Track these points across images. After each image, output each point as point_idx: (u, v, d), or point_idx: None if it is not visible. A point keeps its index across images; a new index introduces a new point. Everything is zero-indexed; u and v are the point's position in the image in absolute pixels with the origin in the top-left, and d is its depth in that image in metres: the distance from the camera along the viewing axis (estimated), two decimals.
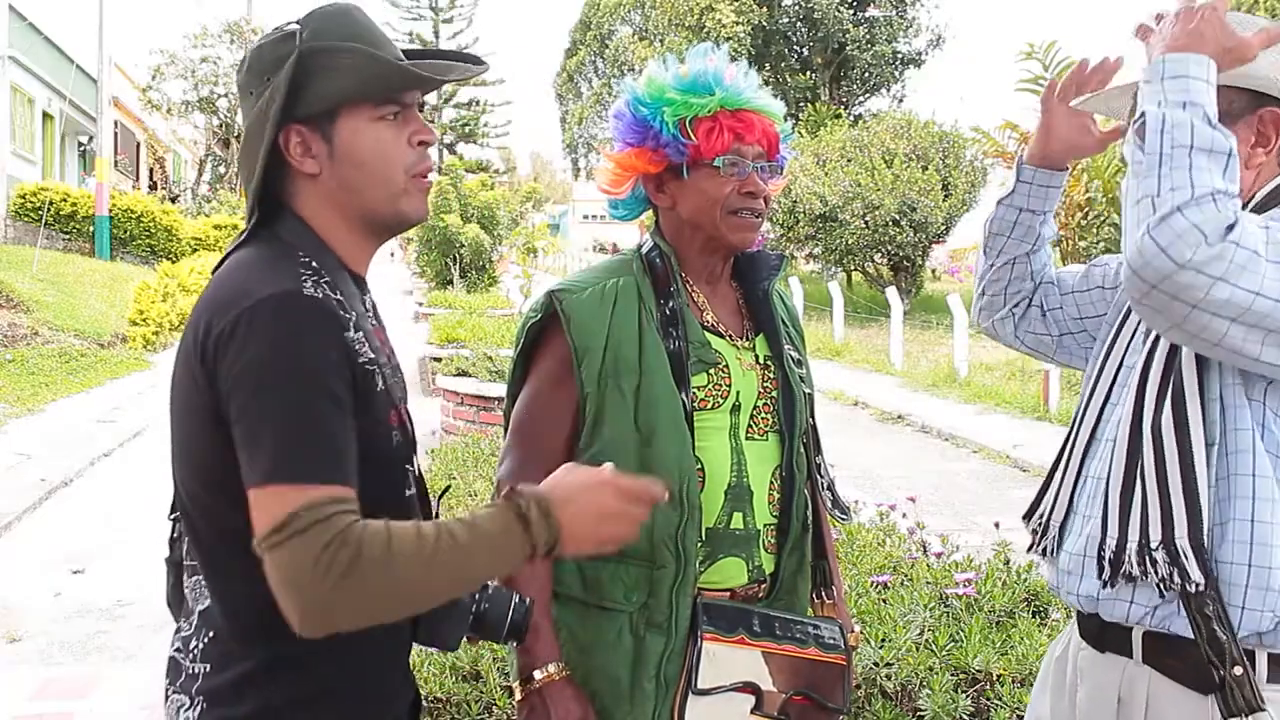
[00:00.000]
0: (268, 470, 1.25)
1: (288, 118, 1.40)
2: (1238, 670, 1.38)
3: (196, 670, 1.41)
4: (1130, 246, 1.35)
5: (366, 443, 1.36)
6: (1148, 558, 1.45)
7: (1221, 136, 1.34)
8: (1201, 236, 1.29)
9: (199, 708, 1.39)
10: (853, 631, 2.00)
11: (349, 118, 1.41)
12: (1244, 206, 1.48)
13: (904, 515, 4.38)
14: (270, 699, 1.37)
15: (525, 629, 1.53)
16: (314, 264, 1.39)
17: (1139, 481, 1.47)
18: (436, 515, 1.62)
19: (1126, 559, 1.47)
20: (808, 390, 1.92)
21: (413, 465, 1.52)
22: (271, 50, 1.42)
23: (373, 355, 1.39)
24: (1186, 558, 1.41)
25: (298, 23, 1.44)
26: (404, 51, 1.49)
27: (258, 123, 1.41)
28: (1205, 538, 1.41)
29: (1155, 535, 1.44)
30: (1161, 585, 1.45)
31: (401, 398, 1.47)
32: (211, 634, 1.40)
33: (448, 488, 1.93)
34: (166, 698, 1.44)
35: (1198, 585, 1.41)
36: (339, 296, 1.37)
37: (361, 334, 1.38)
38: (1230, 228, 1.30)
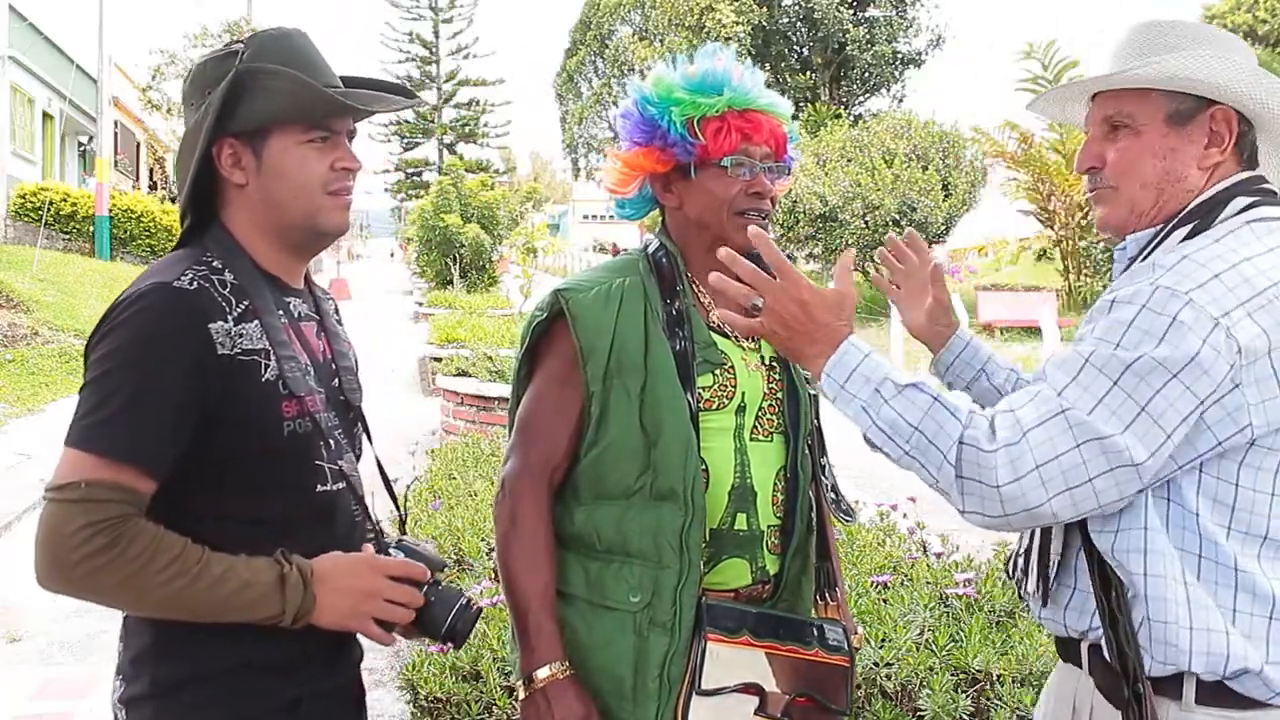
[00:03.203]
0: (75, 435, 1.37)
1: (222, 131, 1.50)
2: (1139, 688, 1.41)
3: (120, 649, 1.51)
4: (970, 519, 1.43)
5: (238, 433, 1.44)
6: (1014, 561, 1.61)
7: (914, 389, 1.44)
8: (990, 472, 1.37)
9: (121, 688, 1.49)
10: (856, 633, 1.99)
11: (280, 137, 1.52)
12: (1181, 210, 1.51)
13: (904, 515, 4.38)
14: (162, 675, 1.45)
15: (465, 635, 1.57)
16: (215, 263, 1.49)
17: None
18: (402, 509, 1.69)
19: (1009, 564, 1.63)
20: (813, 392, 1.92)
21: (332, 461, 1.55)
22: (214, 67, 1.52)
23: (259, 346, 1.46)
24: (1030, 572, 1.54)
25: (242, 42, 1.53)
26: (342, 78, 1.58)
27: (193, 133, 1.51)
28: (1052, 557, 1.52)
29: (1024, 544, 1.59)
30: (1017, 586, 1.60)
31: (309, 393, 1.52)
32: (125, 615, 1.50)
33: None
34: (112, 685, 1.52)
35: (1031, 595, 1.55)
36: (227, 292, 1.46)
37: (250, 326, 1.46)
38: (993, 438, 1.38)
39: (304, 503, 1.53)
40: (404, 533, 1.68)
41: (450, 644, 1.57)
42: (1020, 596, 1.62)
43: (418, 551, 1.58)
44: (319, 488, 1.54)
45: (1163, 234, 1.51)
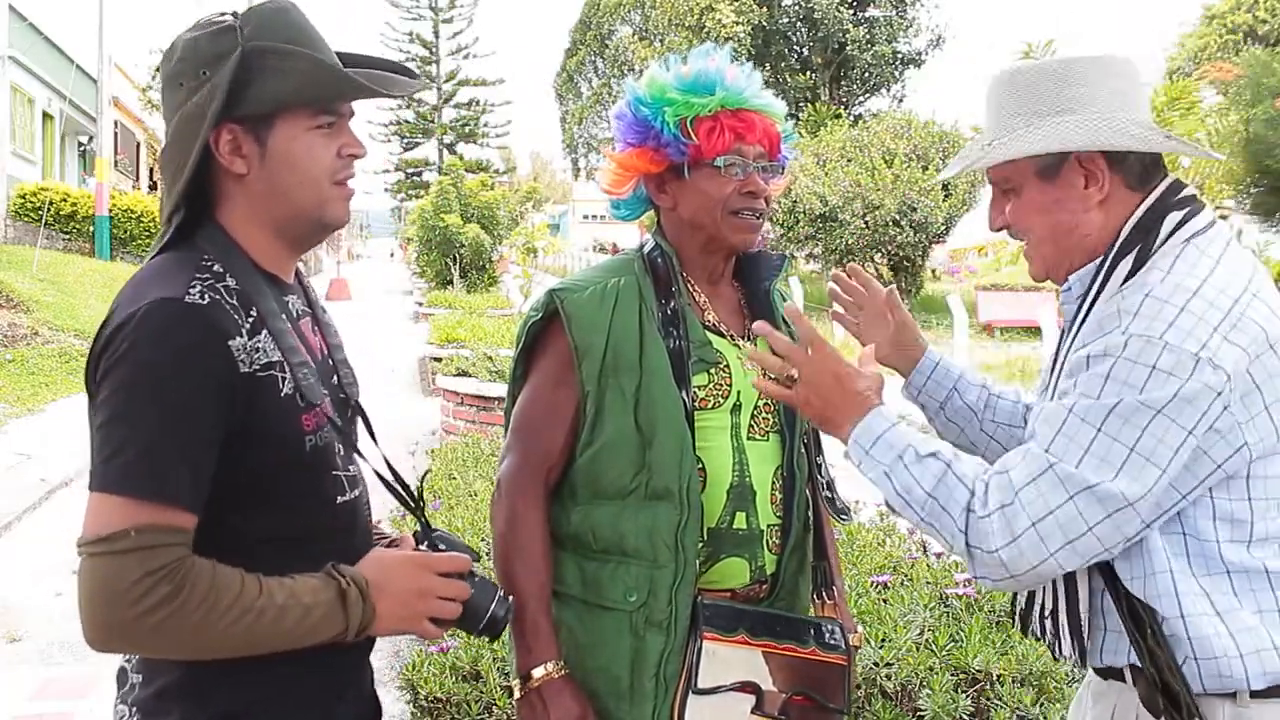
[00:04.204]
0: (108, 478, 1.25)
1: (225, 115, 1.37)
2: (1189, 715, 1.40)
3: (134, 681, 1.41)
4: (984, 584, 1.47)
5: (261, 452, 1.35)
6: (1041, 623, 1.56)
7: (932, 458, 1.48)
8: (987, 538, 1.40)
9: (135, 719, 1.39)
10: (855, 632, 1.99)
11: (286, 122, 1.40)
12: (1110, 249, 1.50)
13: None
14: (193, 712, 1.36)
15: (503, 626, 1.51)
16: (216, 268, 1.37)
17: None
18: (421, 509, 1.57)
19: (1032, 620, 1.59)
20: None
21: (345, 468, 1.49)
22: (209, 43, 1.38)
23: (275, 359, 1.36)
24: (1061, 634, 1.53)
25: (232, 16, 1.40)
26: (338, 55, 1.45)
27: (192, 118, 1.37)
28: (1083, 618, 1.50)
29: (1048, 606, 1.55)
30: (1051, 649, 1.56)
31: (322, 399, 1.42)
32: None
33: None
34: (115, 709, 1.43)
35: (1069, 658, 1.52)
36: (235, 301, 1.35)
37: (261, 337, 1.36)
38: (987, 504, 1.42)
39: (326, 515, 1.45)
40: (424, 523, 1.58)
41: (488, 636, 1.50)
42: (1055, 657, 1.59)
43: (454, 542, 1.52)
44: (339, 499, 1.47)
45: (1106, 268, 1.50)
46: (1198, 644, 1.41)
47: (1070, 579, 1.50)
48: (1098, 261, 1.52)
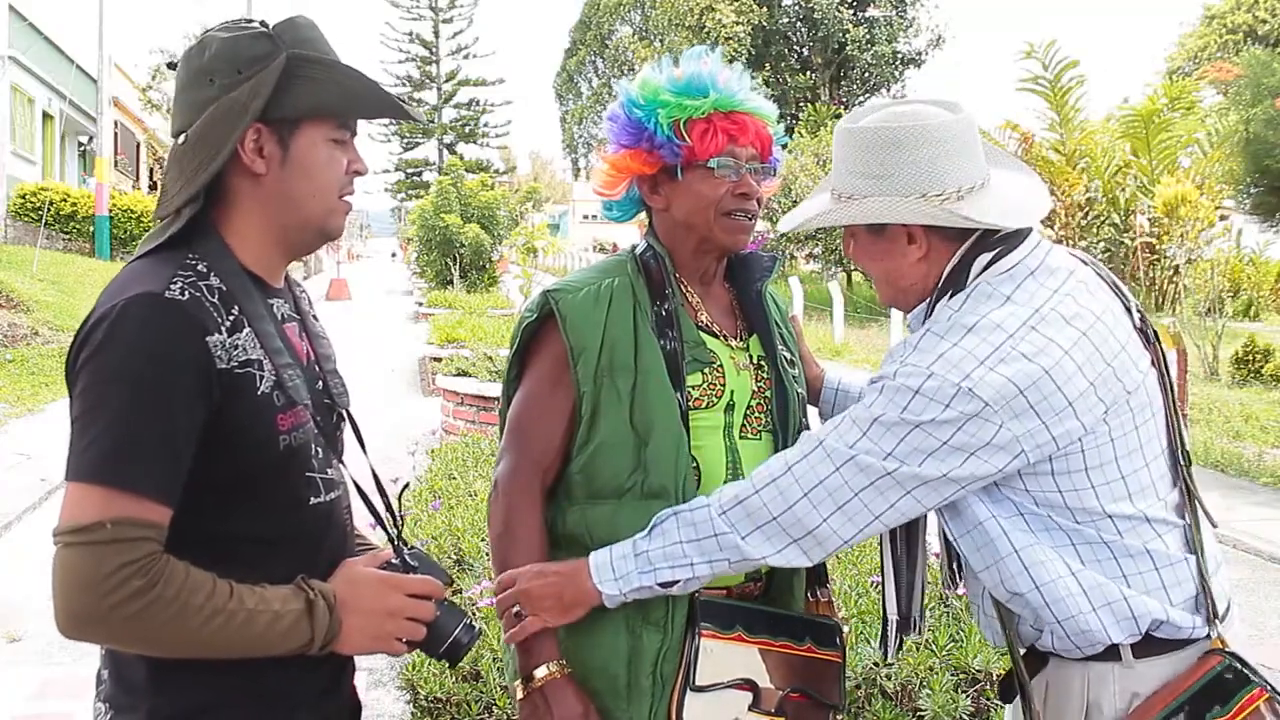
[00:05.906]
0: (85, 467, 1.26)
1: (259, 116, 1.40)
2: (1024, 690, 1.61)
3: (105, 677, 1.43)
4: (773, 561, 1.63)
5: (235, 450, 1.36)
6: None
7: (655, 525, 1.66)
8: (762, 510, 1.58)
9: (108, 716, 1.42)
10: (843, 630, 2.00)
11: (310, 130, 1.44)
12: (932, 292, 1.65)
13: None
14: (161, 707, 1.38)
15: (464, 653, 1.52)
16: (200, 267, 1.39)
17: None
18: (398, 516, 1.59)
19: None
20: (801, 390, 1.93)
21: (322, 471, 1.49)
22: (249, 45, 1.42)
23: (254, 357, 1.38)
24: (891, 628, 1.81)
25: (262, 24, 1.45)
26: None
27: (229, 114, 1.40)
28: (914, 613, 1.82)
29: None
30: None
31: (302, 401, 1.43)
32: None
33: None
34: (93, 707, 1.45)
35: (915, 642, 1.75)
36: (216, 300, 1.36)
37: (242, 335, 1.37)
38: (753, 485, 1.60)
39: (298, 517, 1.46)
40: (401, 537, 1.61)
41: (447, 661, 1.51)
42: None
43: (427, 561, 1.54)
44: (312, 500, 1.47)
45: (930, 307, 1.65)
46: (1055, 607, 1.55)
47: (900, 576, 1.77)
48: (927, 301, 1.67)
